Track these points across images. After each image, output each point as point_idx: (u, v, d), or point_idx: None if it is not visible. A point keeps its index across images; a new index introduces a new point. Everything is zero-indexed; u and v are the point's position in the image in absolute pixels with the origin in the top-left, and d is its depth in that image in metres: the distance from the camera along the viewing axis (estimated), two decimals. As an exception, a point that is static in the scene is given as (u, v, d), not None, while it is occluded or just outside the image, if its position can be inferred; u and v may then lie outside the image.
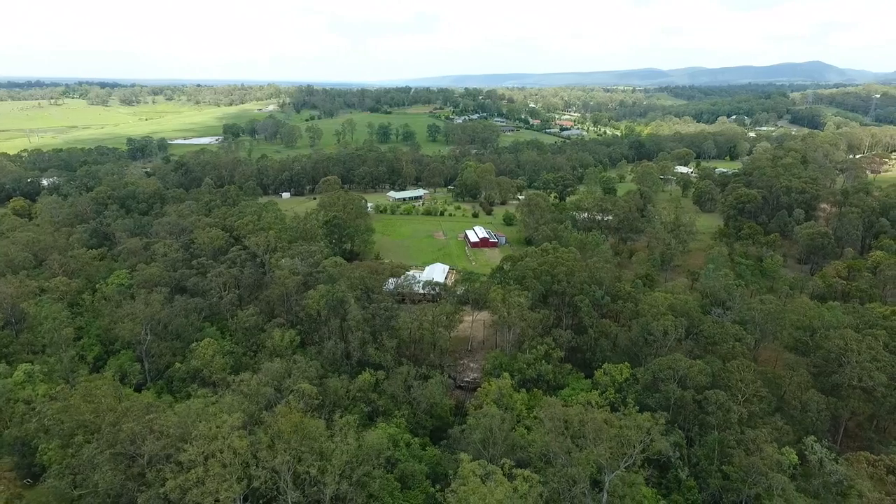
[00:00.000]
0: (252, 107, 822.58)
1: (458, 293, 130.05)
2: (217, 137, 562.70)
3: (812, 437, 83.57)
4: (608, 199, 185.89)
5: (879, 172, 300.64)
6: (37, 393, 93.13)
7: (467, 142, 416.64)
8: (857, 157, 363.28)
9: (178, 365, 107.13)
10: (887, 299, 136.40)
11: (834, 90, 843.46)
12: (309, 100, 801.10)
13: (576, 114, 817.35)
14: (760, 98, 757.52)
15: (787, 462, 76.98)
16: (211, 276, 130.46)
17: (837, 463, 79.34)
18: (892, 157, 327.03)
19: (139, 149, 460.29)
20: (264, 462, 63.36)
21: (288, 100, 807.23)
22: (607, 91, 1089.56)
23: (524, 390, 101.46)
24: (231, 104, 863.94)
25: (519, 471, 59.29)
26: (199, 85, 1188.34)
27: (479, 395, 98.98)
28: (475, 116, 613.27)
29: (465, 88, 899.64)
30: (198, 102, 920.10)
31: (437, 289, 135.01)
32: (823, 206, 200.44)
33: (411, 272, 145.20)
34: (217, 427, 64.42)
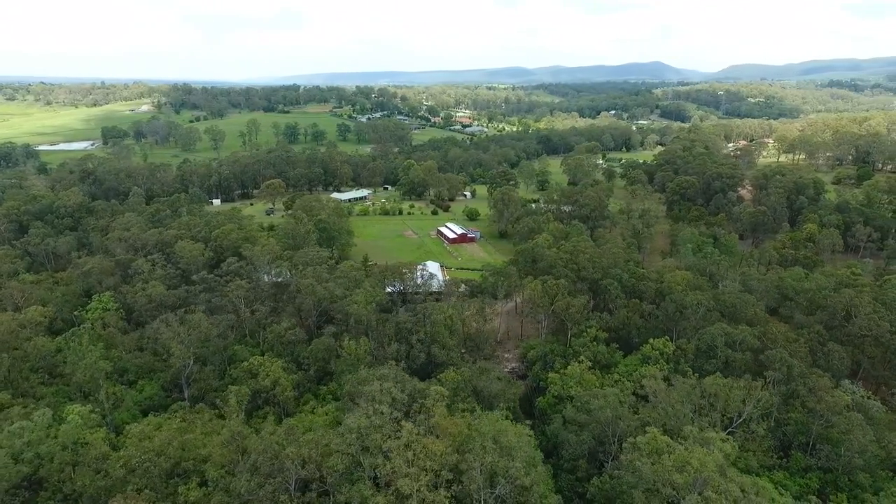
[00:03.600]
0: (120, 107, 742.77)
1: (487, 287, 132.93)
2: (93, 142, 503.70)
3: (847, 381, 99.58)
4: (578, 191, 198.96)
5: (757, 159, 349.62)
6: (97, 437, 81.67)
7: (387, 140, 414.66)
8: (730, 145, 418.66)
9: (233, 387, 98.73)
10: (826, 264, 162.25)
11: (689, 88, 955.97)
12: (188, 99, 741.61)
13: (467, 111, 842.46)
14: (632, 95, 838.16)
15: (842, 403, 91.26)
16: (229, 290, 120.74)
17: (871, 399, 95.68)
18: (769, 144, 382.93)
19: (1, 157, 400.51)
20: (460, 465, 63.07)
21: (164, 99, 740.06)
22: (490, 89, 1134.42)
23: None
24: (94, 104, 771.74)
25: (713, 434, 65.21)
26: (43, 82, 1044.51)
27: (554, 381, 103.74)
28: (378, 115, 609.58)
29: (357, 86, 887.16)
30: (49, 103, 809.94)
31: (460, 285, 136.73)
32: (749, 187, 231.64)
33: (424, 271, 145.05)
34: (412, 437, 62.84)
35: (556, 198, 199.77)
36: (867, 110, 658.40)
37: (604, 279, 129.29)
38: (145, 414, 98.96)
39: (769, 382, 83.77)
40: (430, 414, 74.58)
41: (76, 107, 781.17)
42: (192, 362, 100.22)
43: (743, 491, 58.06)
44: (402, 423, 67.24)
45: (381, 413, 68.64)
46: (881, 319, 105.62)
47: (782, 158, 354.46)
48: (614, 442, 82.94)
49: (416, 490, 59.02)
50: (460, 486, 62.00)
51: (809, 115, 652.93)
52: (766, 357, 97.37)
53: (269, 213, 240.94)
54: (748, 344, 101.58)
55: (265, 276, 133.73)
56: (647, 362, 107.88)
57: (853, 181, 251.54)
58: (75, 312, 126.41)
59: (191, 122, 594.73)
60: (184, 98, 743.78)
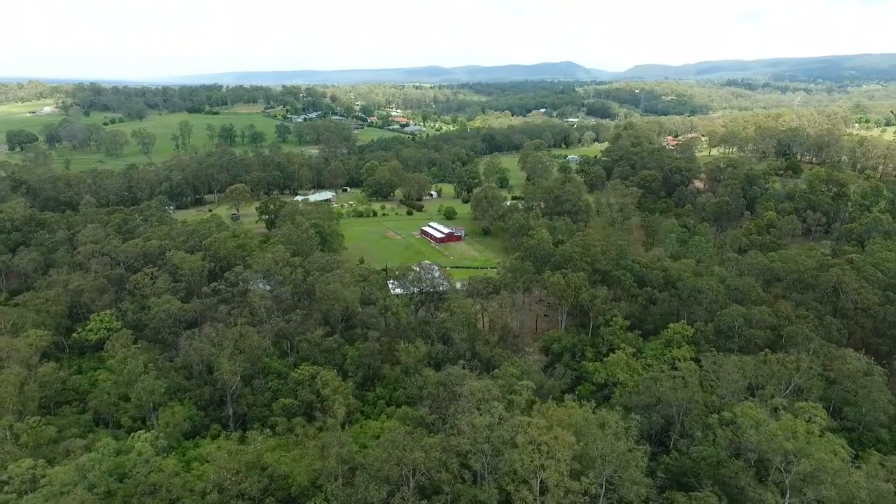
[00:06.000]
0: (18, 109, 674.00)
1: (506, 283, 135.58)
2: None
3: (849, 349, 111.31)
4: (557, 187, 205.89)
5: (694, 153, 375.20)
6: (169, 463, 76.23)
7: (332, 141, 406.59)
8: (663, 141, 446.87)
9: (285, 400, 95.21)
10: (788, 247, 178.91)
11: (608, 87, 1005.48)
12: (97, 100, 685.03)
13: (398, 110, 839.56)
14: (558, 94, 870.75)
15: (861, 369, 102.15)
16: (253, 300, 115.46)
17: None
18: (703, 140, 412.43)
19: None
20: (589, 451, 65.52)
21: (69, 100, 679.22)
22: (417, 88, 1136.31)
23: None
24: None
25: (802, 404, 71.64)
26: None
27: (597, 370, 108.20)
28: (314, 115, 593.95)
29: (283, 86, 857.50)
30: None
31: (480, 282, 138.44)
32: (703, 179, 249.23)
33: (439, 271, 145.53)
34: (537, 431, 64.36)
35: (538, 195, 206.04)
36: (764, 107, 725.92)
37: (614, 270, 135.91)
38: (187, 437, 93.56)
39: (811, 354, 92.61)
40: (521, 405, 76.87)
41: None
42: (238, 378, 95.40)
43: (843, 448, 65.02)
44: (522, 417, 68.65)
45: (498, 410, 69.65)
46: (867, 293, 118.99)
47: (713, 152, 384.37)
48: (678, 420, 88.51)
49: (560, 482, 60.80)
50: (592, 472, 64.31)
51: (718, 112, 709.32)
52: (787, 333, 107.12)
53: (234, 218, 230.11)
54: (765, 322, 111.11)
55: (278, 285, 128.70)
56: (670, 345, 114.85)
57: (784, 172, 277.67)
58: (74, 334, 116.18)
59: (105, 124, 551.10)
60: (92, 99, 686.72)
